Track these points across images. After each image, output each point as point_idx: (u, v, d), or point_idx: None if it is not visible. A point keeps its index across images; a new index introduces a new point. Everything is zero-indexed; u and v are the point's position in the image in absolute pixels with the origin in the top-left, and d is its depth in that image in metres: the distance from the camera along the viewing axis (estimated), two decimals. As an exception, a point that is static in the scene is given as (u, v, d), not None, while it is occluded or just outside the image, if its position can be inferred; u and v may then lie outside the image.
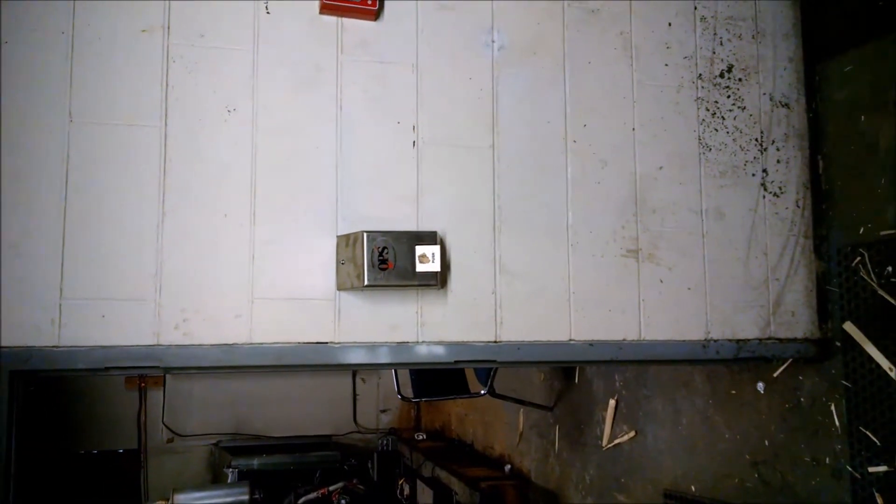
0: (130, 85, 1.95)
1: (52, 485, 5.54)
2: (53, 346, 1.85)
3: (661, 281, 2.29)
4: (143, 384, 6.33)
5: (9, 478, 1.81)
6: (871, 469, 2.33)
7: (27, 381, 1.88)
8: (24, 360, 1.83)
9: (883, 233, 2.32)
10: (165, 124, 1.97)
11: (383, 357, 2.07)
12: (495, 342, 2.15)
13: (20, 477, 1.83)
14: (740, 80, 2.45)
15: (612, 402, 3.82)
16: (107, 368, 1.89)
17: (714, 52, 2.43)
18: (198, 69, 2.00)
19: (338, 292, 2.04)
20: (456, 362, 2.12)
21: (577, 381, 4.22)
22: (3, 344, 1.82)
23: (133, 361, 1.90)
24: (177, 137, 1.97)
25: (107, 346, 1.88)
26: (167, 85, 1.97)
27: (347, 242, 2.01)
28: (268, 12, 2.07)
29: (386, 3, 2.14)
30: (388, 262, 1.97)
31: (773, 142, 2.46)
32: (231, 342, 1.96)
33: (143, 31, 1.98)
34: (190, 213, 1.96)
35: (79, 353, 1.86)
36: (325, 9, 2.09)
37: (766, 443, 2.77)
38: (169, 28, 1.99)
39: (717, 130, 2.40)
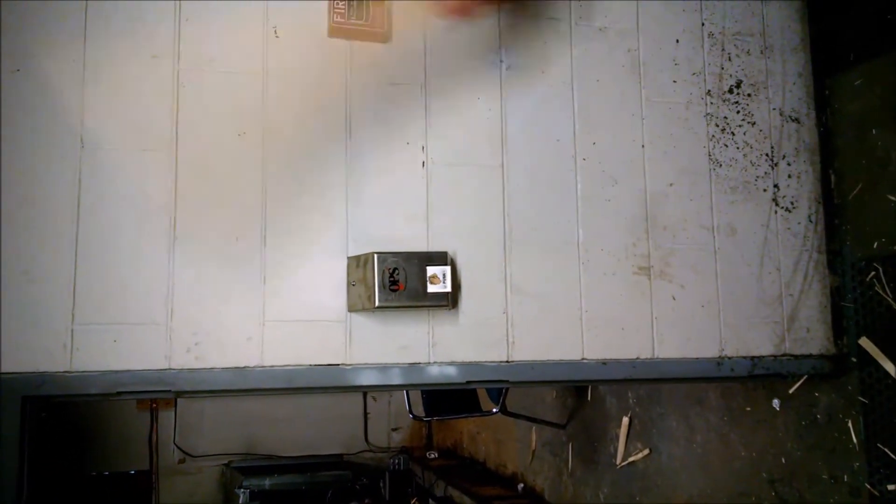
0: (141, 110, 1.96)
1: (63, 507, 5.53)
2: (65, 371, 1.85)
3: (674, 298, 2.28)
4: (154, 405, 6.34)
5: (20, 502, 1.80)
6: (890, 487, 2.30)
7: (39, 407, 1.88)
8: (36, 386, 1.83)
9: (897, 247, 2.30)
10: (176, 149, 1.97)
11: (395, 378, 2.06)
12: (507, 362, 2.13)
13: (32, 499, 1.83)
14: (749, 95, 2.44)
15: (625, 420, 3.79)
16: (119, 393, 1.88)
17: (722, 68, 2.43)
18: (208, 94, 2.01)
19: (349, 314, 2.04)
20: (468, 383, 2.11)
21: (589, 398, 4.20)
22: (16, 369, 1.82)
23: (145, 386, 1.89)
24: (187, 162, 1.98)
25: (119, 370, 1.88)
26: (177, 110, 1.99)
27: (358, 263, 2.01)
28: (277, 36, 2.08)
29: (395, 25, 2.15)
30: (398, 283, 1.96)
31: (784, 157, 2.45)
32: (242, 365, 1.95)
33: (154, 56, 1.99)
34: (201, 236, 1.97)
35: (91, 377, 1.86)
36: (335, 32, 2.10)
37: (783, 460, 2.73)
38: (179, 54, 2.00)
39: (726, 146, 2.40)
